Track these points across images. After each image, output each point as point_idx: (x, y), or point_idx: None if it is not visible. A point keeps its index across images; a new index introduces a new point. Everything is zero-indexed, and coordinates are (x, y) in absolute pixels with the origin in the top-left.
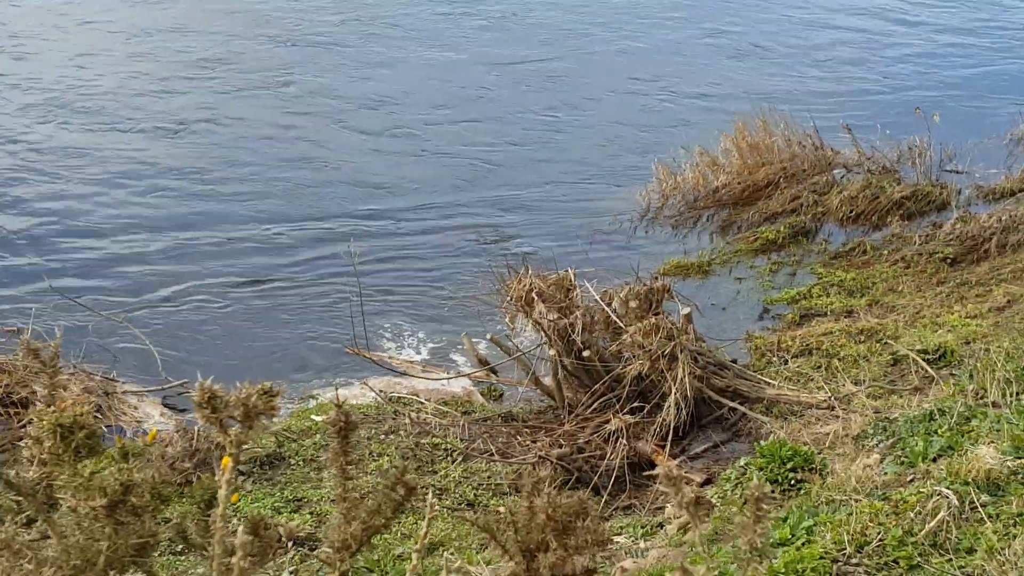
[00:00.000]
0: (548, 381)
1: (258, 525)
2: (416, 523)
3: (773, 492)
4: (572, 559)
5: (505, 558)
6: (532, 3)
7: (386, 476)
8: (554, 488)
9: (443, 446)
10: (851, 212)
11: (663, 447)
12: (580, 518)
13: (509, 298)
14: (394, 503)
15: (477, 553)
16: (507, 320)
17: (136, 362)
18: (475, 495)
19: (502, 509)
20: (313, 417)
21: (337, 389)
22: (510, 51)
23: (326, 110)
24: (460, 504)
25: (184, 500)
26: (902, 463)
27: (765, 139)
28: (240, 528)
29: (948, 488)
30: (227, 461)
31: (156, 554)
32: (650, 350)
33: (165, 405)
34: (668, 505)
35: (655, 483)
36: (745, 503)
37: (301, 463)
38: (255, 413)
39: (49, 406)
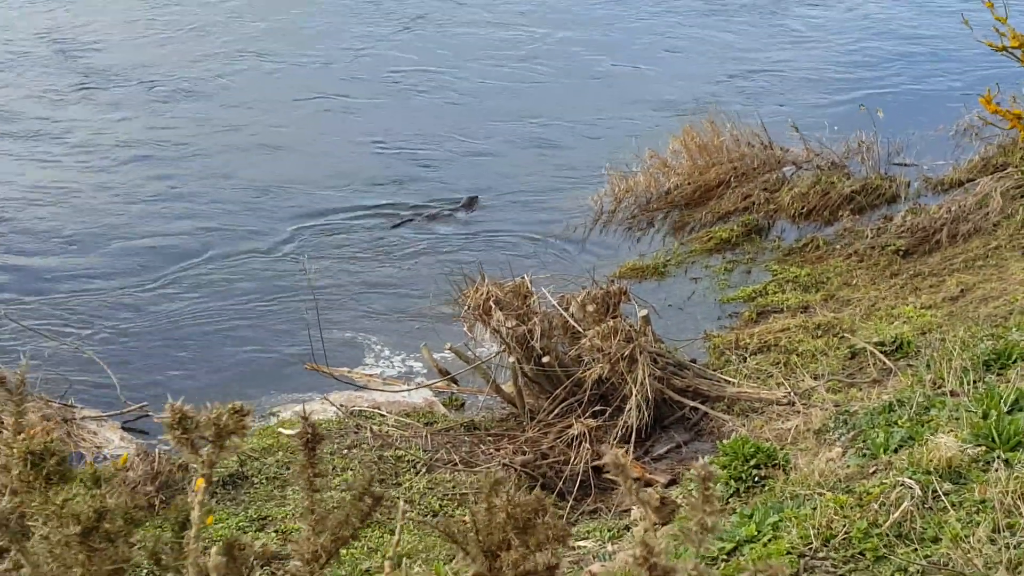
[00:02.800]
0: (509, 388)
1: (232, 546)
2: (383, 537)
3: (737, 490)
4: (533, 556)
5: (468, 559)
6: (473, 13)
7: (353, 487)
8: (518, 492)
9: (406, 458)
10: (802, 208)
11: (626, 450)
12: (539, 515)
13: (467, 307)
14: (361, 513)
15: (444, 564)
16: (466, 329)
17: (93, 387)
18: (440, 505)
19: (464, 519)
20: (281, 430)
21: (304, 405)
22: (456, 60)
23: (272, 122)
24: (426, 515)
25: (148, 525)
26: (864, 455)
27: (714, 140)
28: (214, 550)
29: (910, 478)
30: (200, 482)
31: None
32: (609, 353)
33: (125, 429)
34: (634, 508)
35: (619, 486)
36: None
37: (264, 481)
38: (226, 432)
39: (18, 434)
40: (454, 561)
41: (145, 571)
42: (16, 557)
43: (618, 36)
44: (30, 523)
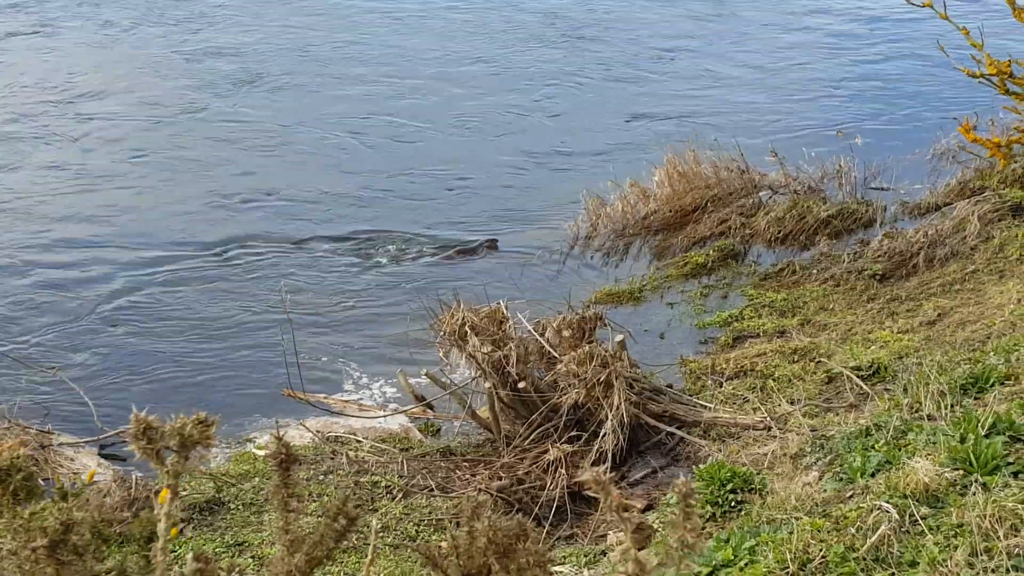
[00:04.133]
0: (485, 414)
1: (202, 557)
2: (359, 562)
3: (714, 514)
4: None
5: None
6: (449, 38)
7: (327, 507)
8: (499, 517)
9: (382, 484)
10: (779, 233)
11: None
12: (521, 540)
13: (442, 333)
14: (336, 533)
15: None
16: (441, 355)
17: (70, 413)
18: (417, 531)
19: (443, 544)
20: (256, 451)
21: (278, 424)
22: (436, 84)
23: (245, 142)
24: (402, 540)
25: (124, 549)
26: (841, 479)
27: (694, 167)
28: (189, 556)
29: (888, 502)
30: (165, 493)
31: None
32: (585, 378)
33: (102, 455)
34: (610, 532)
35: (596, 511)
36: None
37: (241, 507)
38: (191, 443)
39: None
40: None
41: None
42: None
43: (594, 64)
44: None
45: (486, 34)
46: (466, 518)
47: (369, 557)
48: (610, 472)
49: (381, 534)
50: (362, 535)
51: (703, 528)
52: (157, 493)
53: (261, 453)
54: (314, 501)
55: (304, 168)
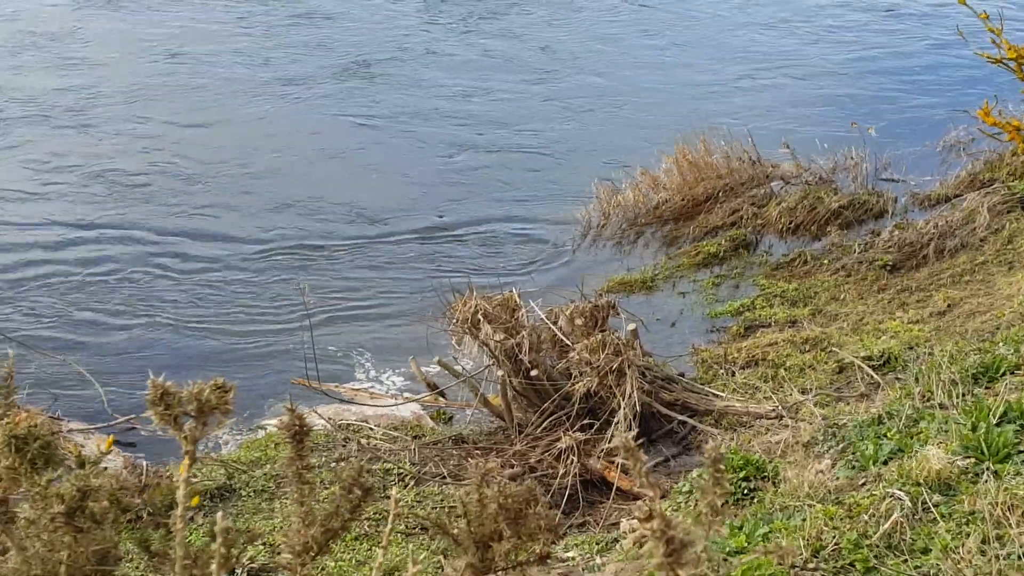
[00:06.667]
0: (497, 402)
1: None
2: (371, 550)
3: (727, 501)
4: (526, 546)
5: (459, 551)
6: (463, 33)
7: (342, 478)
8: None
9: (394, 471)
10: (790, 223)
11: (613, 463)
12: (530, 506)
13: (455, 321)
14: (351, 504)
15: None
16: (454, 342)
17: (80, 400)
18: (433, 525)
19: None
20: (267, 423)
21: (291, 397)
22: (444, 80)
23: (262, 137)
24: (414, 528)
25: (136, 537)
26: (853, 467)
27: (705, 156)
28: (218, 515)
29: (900, 490)
30: (185, 463)
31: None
32: (598, 367)
33: (113, 442)
34: (623, 520)
35: (607, 500)
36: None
37: (252, 494)
38: (209, 408)
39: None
40: (441, 574)
41: (134, 561)
42: (2, 540)
43: (610, 55)
44: (15, 507)
45: (494, 23)
46: (475, 485)
47: (388, 527)
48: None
49: (397, 497)
50: (374, 522)
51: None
52: (169, 478)
53: (271, 424)
54: (326, 488)
55: (311, 164)
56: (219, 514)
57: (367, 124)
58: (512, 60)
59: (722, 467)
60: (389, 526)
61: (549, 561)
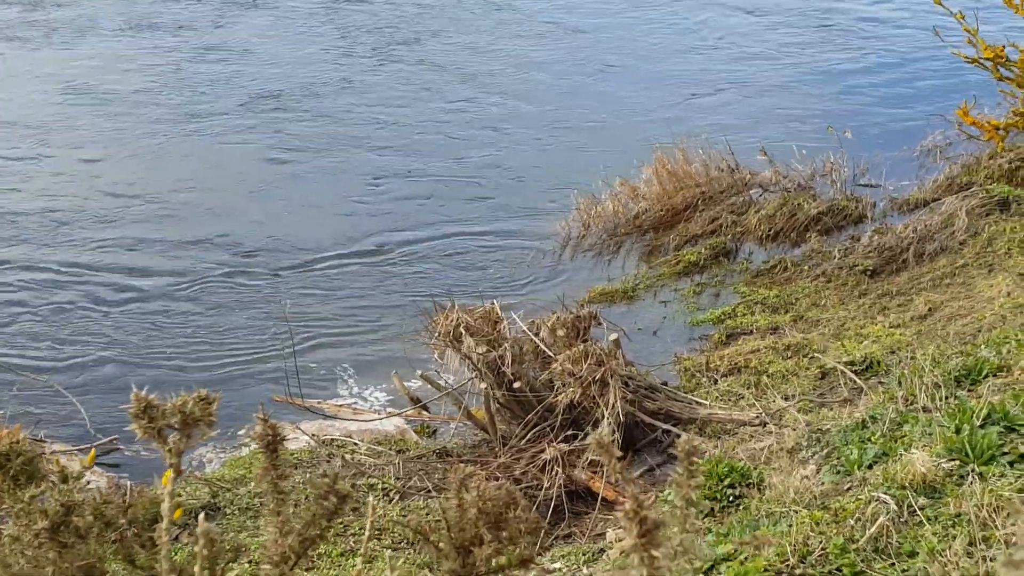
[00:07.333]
0: (480, 415)
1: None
2: (355, 566)
3: (712, 509)
4: (507, 549)
5: (440, 557)
6: (438, 44)
7: (317, 485)
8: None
9: (379, 486)
10: (770, 230)
11: (597, 473)
12: (510, 509)
13: (437, 334)
14: (327, 512)
15: None
16: (436, 356)
17: (62, 421)
18: (414, 533)
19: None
20: (250, 441)
21: (262, 406)
22: (420, 91)
23: (239, 154)
24: (399, 543)
25: (120, 558)
26: (838, 472)
27: (683, 165)
28: (201, 516)
29: (886, 493)
30: (168, 475)
31: None
32: (580, 377)
33: (95, 463)
34: (608, 530)
35: (593, 511)
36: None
37: (236, 512)
38: (193, 420)
39: None
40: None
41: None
42: None
43: (586, 64)
44: None
45: (473, 33)
46: (455, 490)
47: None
48: (606, 470)
49: (379, 535)
50: (357, 537)
51: (701, 523)
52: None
53: (244, 434)
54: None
55: (292, 180)
56: (201, 515)
57: (341, 143)
58: (489, 67)
59: (696, 459)
60: (367, 532)
61: (532, 565)
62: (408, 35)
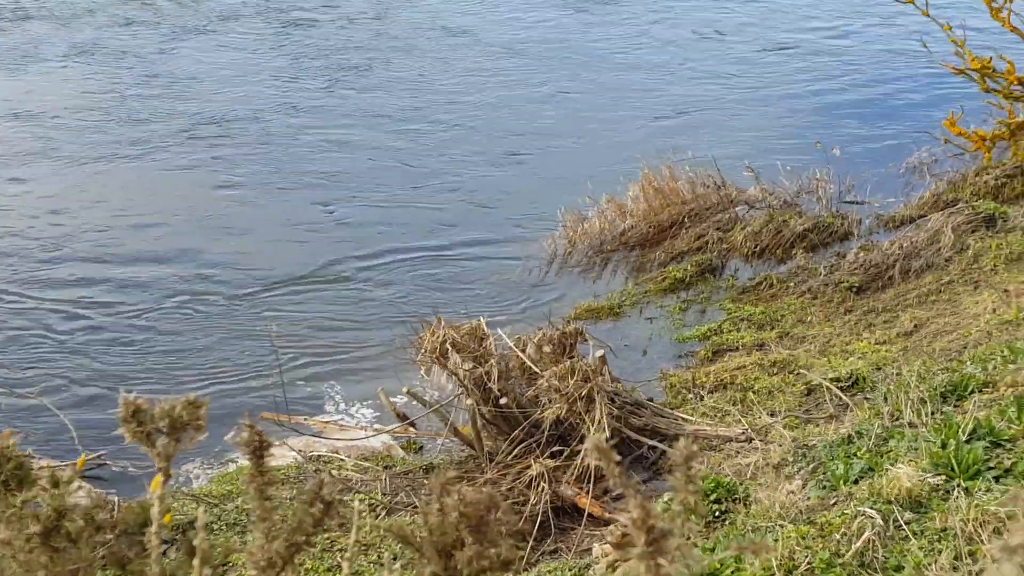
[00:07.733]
0: (467, 430)
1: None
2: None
3: (698, 525)
4: (489, 552)
5: (422, 560)
6: (419, 62)
7: (303, 492)
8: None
9: (366, 501)
10: (756, 247)
11: (584, 489)
12: (491, 511)
13: (423, 351)
14: (313, 519)
15: None
16: (422, 373)
17: (50, 436)
18: (401, 548)
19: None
20: (226, 439)
21: (247, 415)
22: (405, 112)
23: (187, 180)
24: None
25: (108, 573)
26: (824, 487)
27: (670, 182)
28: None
29: (871, 508)
30: (157, 479)
31: None
32: (567, 393)
33: (83, 478)
34: (595, 545)
35: (579, 526)
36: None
37: (224, 528)
38: (181, 424)
39: None
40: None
41: None
42: None
43: (573, 81)
44: None
45: (464, 47)
46: (436, 495)
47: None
48: (592, 487)
49: (365, 551)
50: (344, 554)
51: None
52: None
53: (227, 437)
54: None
55: (241, 206)
56: (200, 509)
57: (325, 161)
58: (474, 85)
59: (694, 465)
60: (353, 536)
61: (513, 567)
62: (360, 61)
